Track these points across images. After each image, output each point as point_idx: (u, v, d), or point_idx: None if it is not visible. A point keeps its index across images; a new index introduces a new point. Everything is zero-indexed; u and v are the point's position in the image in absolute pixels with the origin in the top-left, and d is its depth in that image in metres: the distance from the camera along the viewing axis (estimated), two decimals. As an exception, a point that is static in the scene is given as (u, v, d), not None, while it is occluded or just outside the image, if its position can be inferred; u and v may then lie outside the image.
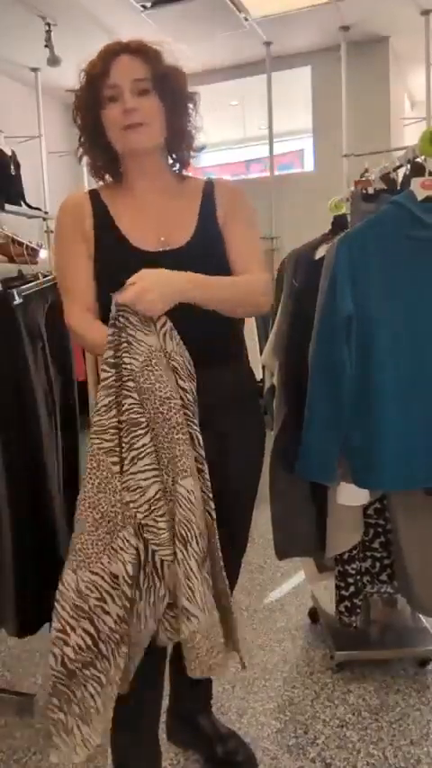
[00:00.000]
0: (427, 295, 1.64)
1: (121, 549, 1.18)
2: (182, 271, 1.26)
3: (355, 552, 1.89)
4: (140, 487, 1.19)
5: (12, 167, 4.44)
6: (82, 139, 1.41)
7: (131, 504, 1.19)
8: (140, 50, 1.34)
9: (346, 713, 1.82)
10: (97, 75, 1.33)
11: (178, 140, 1.41)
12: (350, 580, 1.90)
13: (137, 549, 1.19)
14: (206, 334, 1.30)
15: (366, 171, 2.17)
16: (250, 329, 3.80)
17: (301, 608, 2.43)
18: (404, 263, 1.64)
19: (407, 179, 1.85)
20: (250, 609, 2.44)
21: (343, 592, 1.91)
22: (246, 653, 2.12)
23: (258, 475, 1.56)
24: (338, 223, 2.01)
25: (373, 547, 1.97)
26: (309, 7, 5.01)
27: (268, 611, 2.44)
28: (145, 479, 1.19)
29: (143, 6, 4.77)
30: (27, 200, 4.49)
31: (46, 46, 4.85)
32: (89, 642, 1.18)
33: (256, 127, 7.37)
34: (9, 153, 4.48)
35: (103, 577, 1.19)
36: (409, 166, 1.87)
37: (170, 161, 1.46)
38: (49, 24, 4.78)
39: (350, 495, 1.76)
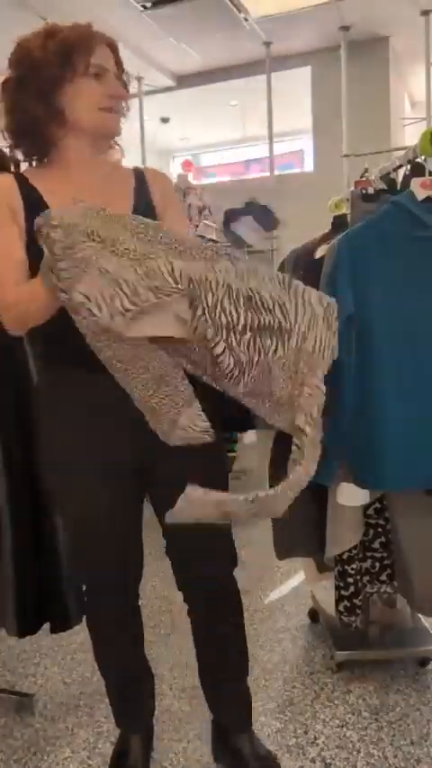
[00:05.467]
0: (427, 295, 1.64)
1: None
2: None
3: (354, 552, 1.89)
4: None
5: (12, 167, 4.44)
6: (28, 106, 1.31)
7: None
8: (116, 51, 1.39)
9: (346, 713, 1.82)
10: (78, 47, 1.31)
11: None
12: (350, 580, 1.90)
13: None
14: None
15: (366, 171, 2.17)
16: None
17: (301, 608, 2.43)
18: (405, 262, 1.64)
19: (407, 179, 1.85)
20: (250, 609, 2.44)
21: (343, 592, 1.91)
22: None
23: None
24: (338, 223, 2.01)
25: (373, 547, 1.97)
26: (309, 7, 5.03)
27: (268, 611, 2.44)
28: None
29: (143, 6, 4.77)
30: (27, 200, 4.49)
31: (46, 46, 4.84)
32: None
33: (256, 127, 7.37)
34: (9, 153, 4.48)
35: None
36: (409, 166, 1.87)
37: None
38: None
39: (350, 495, 1.76)
